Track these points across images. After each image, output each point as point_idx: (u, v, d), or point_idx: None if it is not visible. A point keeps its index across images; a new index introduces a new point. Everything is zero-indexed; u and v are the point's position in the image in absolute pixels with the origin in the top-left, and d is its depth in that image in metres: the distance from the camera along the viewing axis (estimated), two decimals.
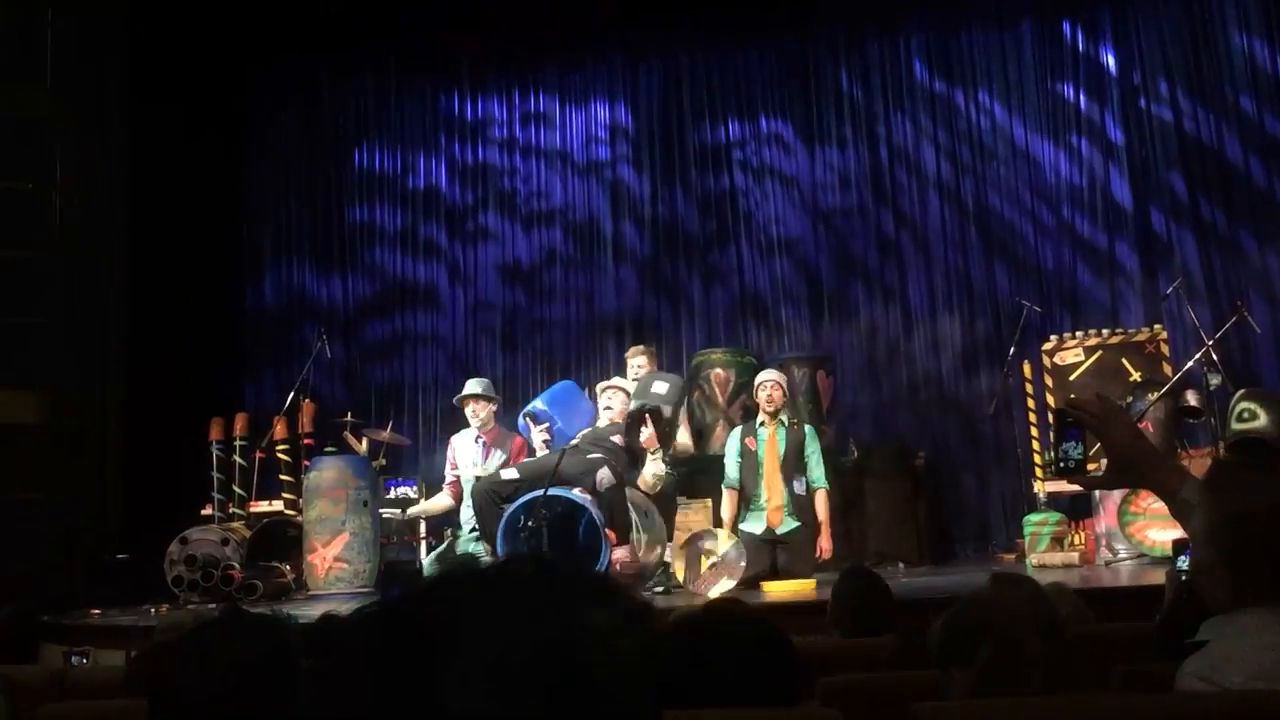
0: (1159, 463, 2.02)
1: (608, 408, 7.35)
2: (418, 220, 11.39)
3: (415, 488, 8.05)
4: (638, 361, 7.97)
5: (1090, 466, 2.19)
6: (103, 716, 2.26)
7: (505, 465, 7.68)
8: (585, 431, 7.30)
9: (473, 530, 7.47)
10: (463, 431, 8.13)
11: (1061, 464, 2.09)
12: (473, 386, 8.11)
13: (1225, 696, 1.65)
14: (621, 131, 11.17)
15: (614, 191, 11.09)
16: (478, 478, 7.64)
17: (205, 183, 10.72)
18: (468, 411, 7.99)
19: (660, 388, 7.32)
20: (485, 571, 0.80)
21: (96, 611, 7.58)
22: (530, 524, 6.23)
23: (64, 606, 7.74)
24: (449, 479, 8.05)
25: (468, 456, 7.97)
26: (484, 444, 7.95)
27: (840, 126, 10.64)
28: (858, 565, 5.00)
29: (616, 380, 7.71)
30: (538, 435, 7.44)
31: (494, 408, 8.06)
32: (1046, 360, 8.68)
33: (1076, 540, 7.79)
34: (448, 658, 0.72)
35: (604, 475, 6.65)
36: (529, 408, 7.86)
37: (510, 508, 6.52)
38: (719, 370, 9.00)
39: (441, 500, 8.08)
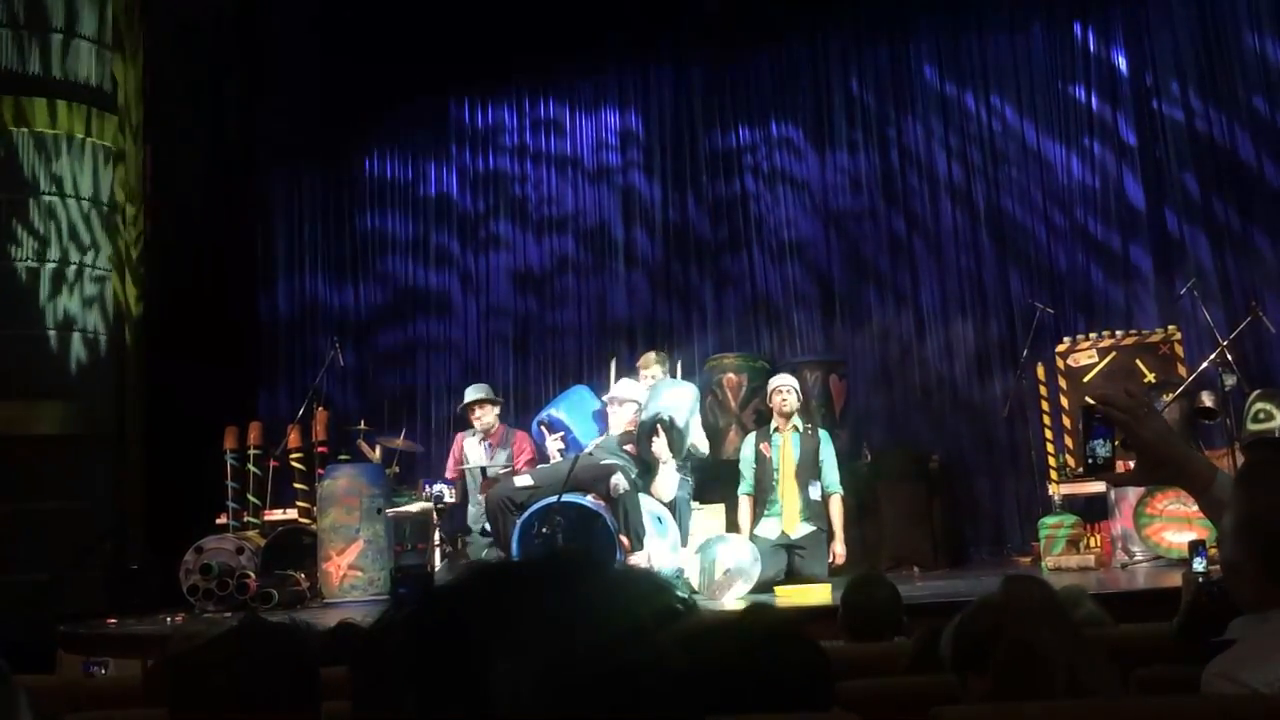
0: (1189, 459, 2.00)
1: (619, 416, 7.35)
2: (429, 228, 11.43)
3: (452, 489, 8.07)
4: (651, 372, 7.93)
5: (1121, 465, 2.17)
6: None
7: (511, 464, 7.75)
8: (598, 440, 7.31)
9: (484, 533, 7.49)
10: (469, 431, 8.21)
11: (1090, 460, 2.07)
12: (474, 393, 8.18)
13: (1254, 699, 1.63)
14: (632, 137, 11.18)
15: (625, 197, 11.10)
16: (483, 469, 7.72)
17: (219, 191, 10.77)
18: (474, 417, 8.07)
19: (672, 396, 7.31)
20: (527, 567, 0.79)
21: (113, 621, 7.62)
22: (544, 530, 6.24)
23: (81, 616, 7.78)
24: (451, 474, 8.15)
25: (474, 458, 8.07)
26: (489, 445, 8.04)
27: (851, 130, 10.63)
28: (868, 571, 4.99)
29: (621, 389, 7.67)
30: (553, 443, 7.46)
31: (498, 410, 8.16)
32: (1060, 362, 8.64)
33: (1092, 543, 7.76)
34: (495, 656, 0.71)
35: (618, 481, 6.65)
36: (543, 415, 7.87)
37: (524, 514, 6.53)
38: (731, 375, 9.00)
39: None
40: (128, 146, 9.89)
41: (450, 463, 8.28)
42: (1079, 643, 2.18)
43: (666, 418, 7.01)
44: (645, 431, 7.01)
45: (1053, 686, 2.07)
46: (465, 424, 8.38)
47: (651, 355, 8.16)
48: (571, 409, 7.86)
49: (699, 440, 7.64)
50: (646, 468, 7.03)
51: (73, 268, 9.29)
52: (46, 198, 9.20)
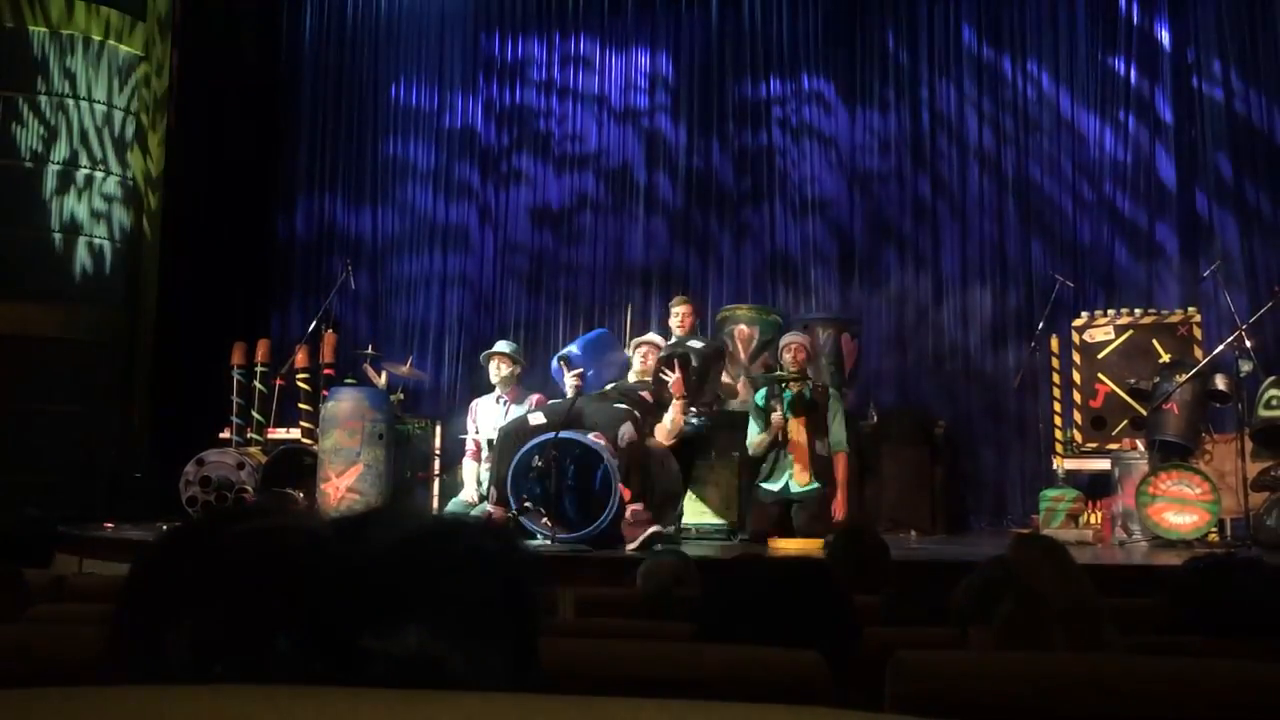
0: None
1: (643, 361, 7.27)
2: (451, 159, 11.32)
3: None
4: (681, 310, 7.84)
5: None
6: (86, 619, 2.26)
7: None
8: (617, 382, 7.25)
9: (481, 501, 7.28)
10: (484, 396, 7.98)
11: None
12: (501, 346, 7.97)
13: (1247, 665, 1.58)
14: (661, 80, 11.04)
15: (650, 140, 10.98)
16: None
17: (243, 110, 10.71)
18: (491, 367, 7.81)
19: (698, 342, 7.37)
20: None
21: (109, 525, 7.69)
22: (540, 464, 6.20)
23: (81, 519, 7.85)
24: (469, 446, 7.91)
25: (489, 420, 7.78)
26: (505, 403, 7.78)
27: (883, 88, 10.49)
28: (858, 524, 4.96)
29: (650, 336, 7.64)
30: (570, 379, 7.34)
31: (518, 370, 7.88)
32: (1075, 337, 8.55)
33: (1093, 519, 7.71)
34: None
35: (626, 431, 6.53)
36: (563, 351, 7.78)
37: (525, 447, 6.44)
38: (743, 326, 8.93)
39: (469, 468, 7.87)
40: (156, 53, 9.85)
41: (469, 435, 7.83)
42: (1084, 600, 2.16)
43: (684, 354, 7.00)
44: (663, 362, 6.98)
45: (1054, 640, 2.06)
46: (476, 365, 8.21)
47: (684, 297, 8.09)
48: (591, 347, 7.75)
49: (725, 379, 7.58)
50: (658, 407, 6.98)
51: (98, 173, 9.28)
52: (70, 100, 9.17)
